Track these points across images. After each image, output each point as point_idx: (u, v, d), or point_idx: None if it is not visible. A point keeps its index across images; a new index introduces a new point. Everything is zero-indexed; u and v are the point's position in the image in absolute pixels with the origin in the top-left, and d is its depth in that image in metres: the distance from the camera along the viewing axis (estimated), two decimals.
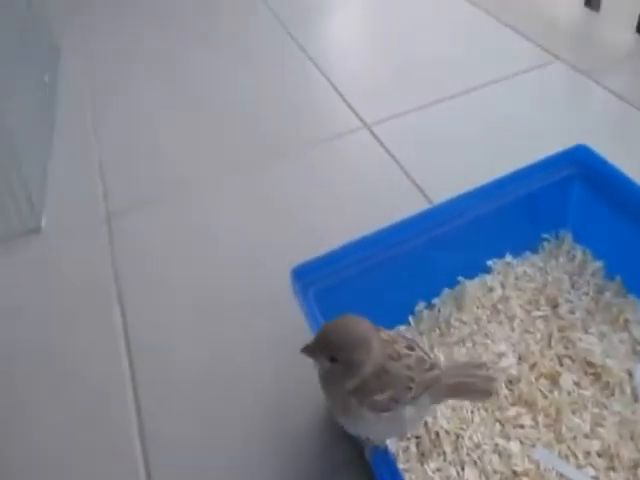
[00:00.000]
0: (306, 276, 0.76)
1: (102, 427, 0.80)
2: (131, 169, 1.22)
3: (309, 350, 0.59)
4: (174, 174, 1.19)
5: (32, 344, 0.91)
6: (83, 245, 1.06)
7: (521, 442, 0.69)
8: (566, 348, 0.78)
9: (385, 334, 0.62)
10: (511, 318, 0.82)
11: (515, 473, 0.67)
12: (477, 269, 0.89)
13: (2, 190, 1.04)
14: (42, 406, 0.84)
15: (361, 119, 1.27)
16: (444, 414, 0.72)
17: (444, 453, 0.69)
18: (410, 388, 0.59)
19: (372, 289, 0.79)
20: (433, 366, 0.62)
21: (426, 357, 0.62)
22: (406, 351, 0.61)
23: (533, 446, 0.69)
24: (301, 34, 1.58)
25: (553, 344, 0.78)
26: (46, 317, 0.95)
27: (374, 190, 1.10)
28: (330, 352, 0.58)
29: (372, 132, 1.23)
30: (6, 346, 0.92)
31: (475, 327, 0.81)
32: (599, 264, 0.87)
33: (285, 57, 1.51)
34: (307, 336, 0.71)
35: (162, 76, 1.48)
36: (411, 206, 1.01)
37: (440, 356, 0.78)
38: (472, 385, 0.64)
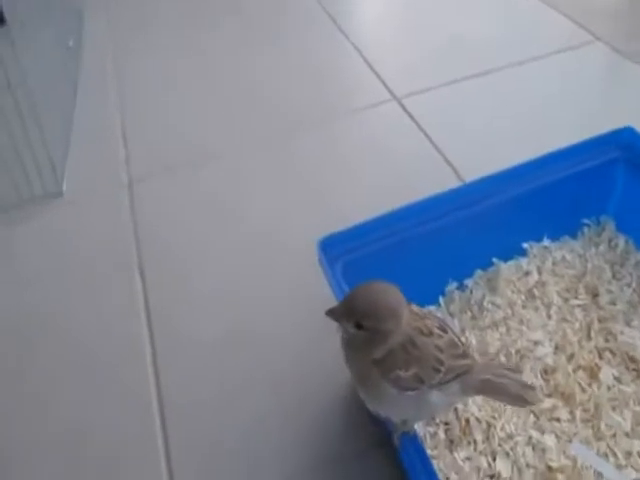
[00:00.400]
0: (333, 249, 0.72)
1: (120, 396, 0.77)
2: (155, 135, 1.17)
3: (334, 314, 0.55)
4: (198, 142, 1.14)
5: (51, 309, 0.88)
6: (105, 210, 1.03)
7: (557, 436, 0.65)
8: (606, 341, 0.73)
9: (416, 308, 0.58)
10: (548, 305, 0.78)
11: (550, 469, 0.63)
12: (512, 251, 0.84)
13: (24, 154, 1.01)
14: (59, 374, 0.80)
15: (391, 91, 1.22)
16: (475, 401, 0.68)
17: (474, 442, 0.65)
18: (438, 371, 0.55)
19: (401, 265, 0.74)
20: (465, 354, 0.58)
21: (459, 342, 0.58)
22: (438, 331, 0.57)
23: (569, 441, 0.64)
24: (332, 4, 1.51)
25: (593, 335, 0.74)
26: (66, 282, 0.92)
27: (403, 165, 1.05)
28: (356, 318, 0.54)
29: (402, 105, 1.18)
30: (26, 311, 0.88)
31: (509, 311, 0.77)
32: None
33: (315, 27, 1.44)
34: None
35: (187, 43, 1.42)
36: (441, 183, 0.97)
37: (472, 340, 0.74)
38: (504, 387, 0.59)
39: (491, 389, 0.59)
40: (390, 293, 0.55)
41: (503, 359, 0.72)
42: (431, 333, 0.56)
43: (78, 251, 0.96)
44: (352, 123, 1.16)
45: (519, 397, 0.58)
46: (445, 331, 0.57)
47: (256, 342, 0.80)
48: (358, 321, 0.54)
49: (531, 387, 0.60)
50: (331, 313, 0.55)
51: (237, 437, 0.71)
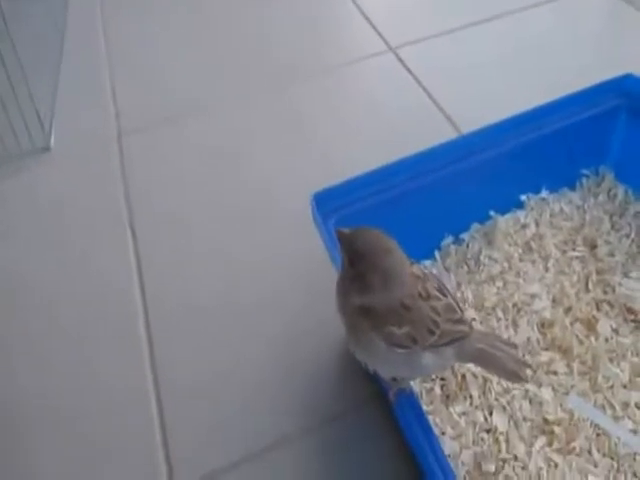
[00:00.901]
0: (327, 203, 0.71)
1: (114, 369, 0.75)
2: (145, 88, 1.14)
3: (340, 235, 0.54)
4: (190, 95, 1.12)
5: (38, 266, 0.86)
6: (94, 165, 1.00)
7: (554, 389, 0.65)
8: (604, 292, 0.72)
9: (417, 269, 0.57)
10: (545, 258, 0.76)
11: (546, 421, 0.62)
12: (510, 204, 0.83)
13: (10, 108, 0.98)
14: (44, 333, 0.79)
15: (386, 41, 1.19)
16: None
17: (470, 397, 0.65)
18: (432, 333, 0.54)
19: (396, 220, 0.72)
20: (463, 320, 0.57)
21: (457, 308, 0.57)
22: (436, 293, 0.56)
23: (566, 394, 0.64)
24: None
25: (590, 287, 0.73)
26: (54, 238, 0.90)
27: (399, 118, 1.02)
28: (350, 253, 0.53)
29: (397, 55, 1.15)
30: (10, 268, 0.87)
31: (506, 265, 0.76)
32: None
33: None
34: (327, 265, 0.67)
35: None
36: (439, 136, 0.94)
37: (468, 294, 0.73)
38: (498, 359, 0.58)
39: (486, 359, 0.58)
40: (392, 255, 0.53)
41: (500, 313, 0.71)
42: (429, 296, 0.55)
43: (67, 206, 0.94)
44: (347, 75, 1.13)
45: (513, 372, 0.58)
46: (444, 294, 0.56)
47: (251, 302, 0.79)
48: (352, 257, 0.53)
49: (525, 363, 0.60)
50: (339, 235, 0.54)
51: (233, 398, 0.70)
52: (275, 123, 1.05)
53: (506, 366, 0.58)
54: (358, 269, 0.53)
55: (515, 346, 0.61)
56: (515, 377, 0.58)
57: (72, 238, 0.90)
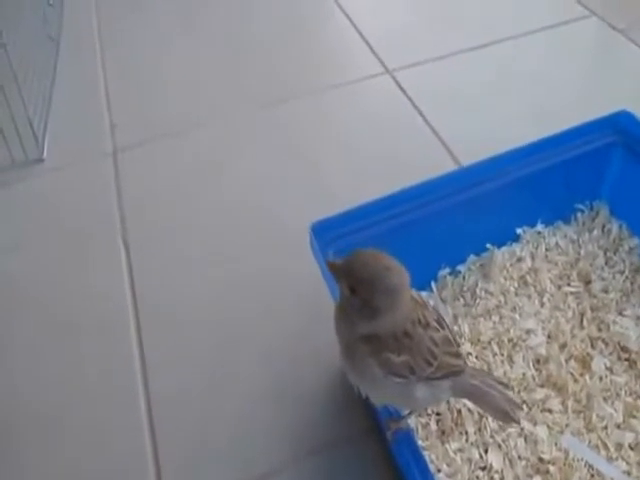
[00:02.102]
0: (325, 233, 0.70)
1: (105, 377, 0.75)
2: (140, 101, 1.14)
3: (334, 269, 0.52)
4: (185, 109, 1.11)
5: (30, 277, 0.86)
6: (87, 177, 1.00)
7: (549, 427, 0.65)
8: (599, 330, 0.73)
9: (416, 294, 0.56)
10: (540, 292, 0.77)
11: (542, 460, 0.63)
12: (506, 237, 0.83)
13: (3, 118, 0.98)
14: (39, 344, 0.79)
15: (383, 64, 1.19)
16: None
17: (466, 433, 0.65)
18: (430, 364, 0.54)
19: (393, 250, 0.72)
20: (459, 355, 0.57)
21: (454, 341, 0.57)
22: (435, 324, 0.56)
23: (561, 432, 0.64)
24: None
25: (585, 324, 0.73)
26: (46, 250, 0.89)
27: (394, 142, 1.03)
28: (351, 281, 0.51)
29: (394, 78, 1.15)
30: (4, 279, 0.86)
31: (502, 299, 0.76)
32: (636, 241, 0.81)
33: None
34: (323, 292, 0.67)
35: (176, 7, 1.37)
36: (434, 161, 0.97)
37: (465, 328, 0.73)
38: (492, 397, 0.58)
39: (479, 397, 0.58)
40: (394, 272, 0.52)
41: (496, 348, 0.71)
42: (428, 325, 0.55)
43: (59, 218, 0.94)
44: (342, 96, 1.13)
45: (505, 413, 0.58)
46: (442, 326, 0.56)
47: (244, 321, 0.79)
48: (352, 285, 0.51)
49: (518, 405, 0.60)
50: (331, 267, 0.52)
51: (225, 424, 0.70)
52: (269, 141, 1.05)
53: (499, 406, 0.58)
54: (361, 295, 0.51)
55: (507, 386, 0.62)
56: (507, 418, 0.58)
57: (65, 249, 0.90)
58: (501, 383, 0.60)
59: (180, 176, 0.99)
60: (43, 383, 0.75)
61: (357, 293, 0.51)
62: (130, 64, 1.22)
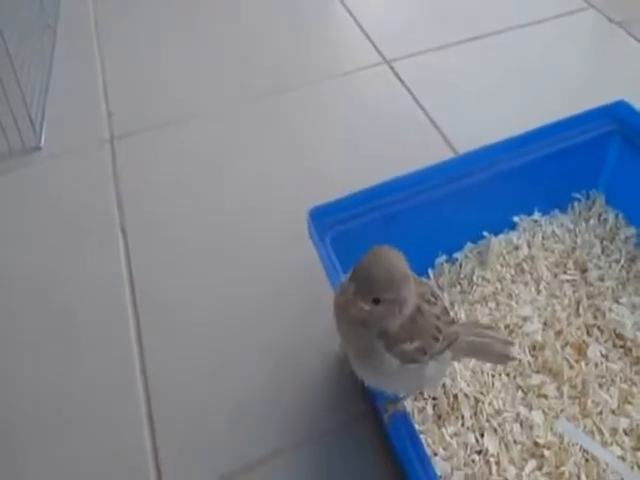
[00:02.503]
0: (323, 219, 0.71)
1: (101, 357, 0.75)
2: (138, 90, 1.14)
3: (349, 295, 0.50)
4: (182, 99, 1.11)
5: (29, 266, 0.86)
6: (85, 166, 1.00)
7: (544, 412, 0.65)
8: (595, 317, 0.73)
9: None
10: (537, 280, 0.77)
11: (537, 445, 0.63)
12: (503, 225, 0.83)
13: (0, 106, 0.98)
14: (36, 332, 0.79)
15: (381, 54, 1.19)
16: (463, 376, 0.68)
17: (462, 417, 0.65)
18: (437, 339, 0.54)
19: (391, 237, 0.72)
20: (454, 321, 0.58)
21: (448, 309, 0.58)
22: (432, 298, 0.56)
23: (556, 418, 0.65)
24: None
25: (581, 312, 0.74)
26: (44, 238, 0.89)
27: (392, 131, 1.03)
28: (375, 294, 0.50)
29: (392, 69, 1.15)
30: (2, 267, 0.86)
31: (499, 286, 0.77)
32: (632, 231, 0.82)
33: None
34: (321, 281, 0.67)
35: None
36: (431, 150, 0.97)
37: (461, 315, 0.74)
38: (487, 345, 0.60)
39: (477, 349, 0.60)
40: (398, 258, 0.52)
41: None
42: (429, 301, 0.55)
43: (57, 206, 0.94)
44: (341, 86, 1.13)
45: (501, 354, 0.60)
46: (436, 298, 0.56)
47: (243, 310, 0.79)
48: (376, 297, 0.50)
49: (510, 342, 0.63)
50: (344, 295, 0.51)
51: (223, 412, 0.70)
52: (267, 131, 1.05)
53: (494, 351, 0.60)
54: (384, 302, 0.50)
55: (494, 328, 0.65)
56: (504, 358, 0.61)
57: (62, 237, 0.89)
58: (488, 327, 0.63)
59: (178, 165, 0.99)
60: (41, 372, 0.75)
61: (383, 301, 0.50)
62: (128, 52, 1.22)
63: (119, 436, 0.69)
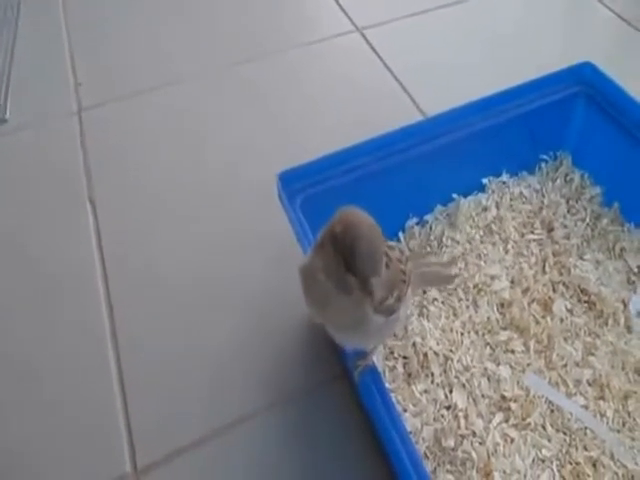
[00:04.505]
0: (293, 183, 0.71)
1: (74, 345, 0.75)
2: (105, 60, 1.12)
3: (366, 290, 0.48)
4: (152, 68, 1.10)
5: None
6: (52, 138, 0.98)
7: (511, 367, 0.67)
8: (560, 274, 0.75)
9: None
10: (505, 240, 0.79)
11: (504, 398, 0.65)
12: (472, 187, 0.84)
13: None
14: (5, 305, 0.78)
15: (352, 21, 1.19)
16: (433, 335, 0.70)
17: (432, 375, 0.67)
18: (404, 281, 0.54)
19: (361, 201, 0.73)
20: (407, 259, 0.57)
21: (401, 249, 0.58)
22: (388, 243, 0.55)
23: (523, 372, 0.67)
24: None
25: (547, 269, 0.75)
26: (10, 212, 0.88)
27: (364, 98, 1.03)
28: (378, 272, 0.48)
29: (364, 36, 1.15)
30: None
31: (468, 247, 0.78)
32: (597, 190, 0.83)
33: None
34: (292, 246, 0.68)
35: None
36: (403, 117, 0.96)
37: None
38: (435, 274, 0.65)
39: (428, 279, 0.65)
40: (369, 224, 0.50)
41: (461, 294, 0.73)
42: (389, 246, 0.55)
43: (24, 179, 0.93)
44: (313, 53, 1.13)
45: (447, 277, 0.68)
46: (388, 242, 0.56)
47: (215, 277, 0.80)
48: (379, 274, 0.48)
49: (449, 263, 0.71)
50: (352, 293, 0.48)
51: (197, 373, 0.71)
52: (239, 98, 1.04)
53: (440, 275, 0.67)
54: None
55: (430, 253, 0.74)
56: (450, 278, 0.69)
57: (30, 211, 0.89)
58: (428, 255, 0.73)
59: (146, 135, 0.99)
60: (15, 344, 0.75)
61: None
62: (95, 21, 1.20)
63: (90, 396, 0.70)
